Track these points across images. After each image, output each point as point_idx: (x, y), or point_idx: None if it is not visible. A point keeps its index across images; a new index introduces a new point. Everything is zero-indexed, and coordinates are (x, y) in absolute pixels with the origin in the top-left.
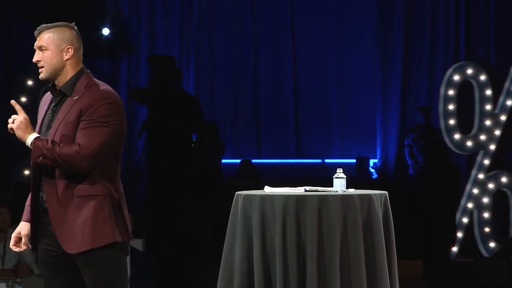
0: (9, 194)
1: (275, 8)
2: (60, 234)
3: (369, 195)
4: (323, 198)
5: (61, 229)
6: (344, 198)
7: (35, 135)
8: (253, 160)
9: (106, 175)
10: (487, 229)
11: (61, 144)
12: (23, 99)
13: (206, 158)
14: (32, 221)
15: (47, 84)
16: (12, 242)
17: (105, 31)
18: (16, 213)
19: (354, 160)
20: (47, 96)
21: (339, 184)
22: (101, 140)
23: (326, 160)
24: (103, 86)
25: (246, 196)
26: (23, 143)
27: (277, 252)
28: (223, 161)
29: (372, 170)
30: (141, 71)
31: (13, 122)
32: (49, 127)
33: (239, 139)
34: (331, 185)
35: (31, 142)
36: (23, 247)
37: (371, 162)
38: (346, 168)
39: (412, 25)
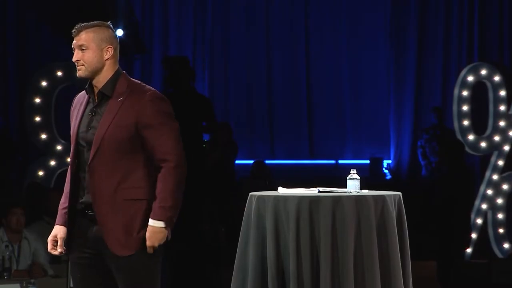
0: (23, 195)
1: (289, 9)
2: (107, 236)
3: (383, 196)
4: (337, 199)
5: (108, 232)
6: (357, 199)
7: (160, 223)
8: (267, 161)
9: (151, 178)
10: (501, 230)
11: (161, 187)
12: (37, 100)
13: (220, 159)
14: (69, 223)
15: (63, 84)
16: (49, 246)
17: (119, 32)
18: (31, 214)
19: (367, 161)
20: (81, 97)
21: (353, 185)
22: (175, 140)
23: (340, 161)
24: (145, 85)
25: (259, 197)
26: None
27: (290, 253)
28: (237, 161)
29: (386, 171)
30: (154, 72)
31: (152, 247)
32: (89, 127)
33: (253, 140)
34: (345, 186)
35: (166, 227)
36: (59, 250)
37: (385, 163)
38: (359, 169)
39: (426, 26)
